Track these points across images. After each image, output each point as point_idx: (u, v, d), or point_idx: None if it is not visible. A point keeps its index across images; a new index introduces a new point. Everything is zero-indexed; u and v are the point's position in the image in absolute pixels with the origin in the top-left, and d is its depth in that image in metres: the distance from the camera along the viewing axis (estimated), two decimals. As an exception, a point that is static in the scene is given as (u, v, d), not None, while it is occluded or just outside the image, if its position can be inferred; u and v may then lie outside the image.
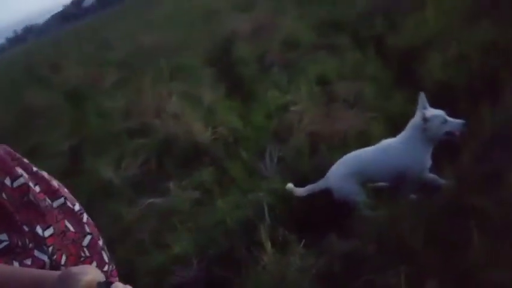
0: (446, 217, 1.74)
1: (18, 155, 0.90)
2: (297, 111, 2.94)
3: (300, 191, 2.19)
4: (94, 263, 0.91)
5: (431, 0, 3.86)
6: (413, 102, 2.68)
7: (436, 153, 2.12)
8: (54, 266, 0.82)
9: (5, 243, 0.77)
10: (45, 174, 0.93)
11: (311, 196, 2.17)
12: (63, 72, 8.85)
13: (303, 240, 1.92)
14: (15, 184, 0.84)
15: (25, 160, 0.90)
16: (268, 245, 1.95)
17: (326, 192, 2.14)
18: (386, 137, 2.43)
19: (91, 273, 0.61)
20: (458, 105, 2.38)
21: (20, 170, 0.86)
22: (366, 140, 2.48)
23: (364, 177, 2.11)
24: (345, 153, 2.35)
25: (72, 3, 62.24)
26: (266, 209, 2.12)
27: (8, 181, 0.83)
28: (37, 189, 0.87)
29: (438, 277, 1.49)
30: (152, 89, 4.76)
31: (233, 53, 5.23)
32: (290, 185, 2.22)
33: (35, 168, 0.90)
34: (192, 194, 2.81)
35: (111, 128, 4.23)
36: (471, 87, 2.46)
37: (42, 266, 0.80)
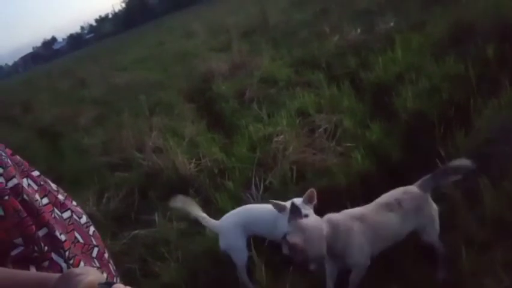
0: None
1: (27, 167, 0.90)
2: (281, 142, 3.02)
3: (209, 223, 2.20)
4: (105, 274, 0.92)
5: (399, 39, 4.16)
6: (390, 133, 2.87)
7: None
8: None
9: (20, 248, 0.76)
10: (53, 185, 0.94)
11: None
12: (35, 111, 8.72)
13: (291, 268, 1.93)
14: (30, 189, 0.84)
15: (33, 173, 0.91)
16: (259, 272, 1.96)
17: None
18: (366, 166, 2.56)
19: (93, 274, 0.61)
20: (433, 133, 2.56)
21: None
22: (347, 168, 2.59)
23: (251, 231, 2.14)
24: (330, 179, 2.43)
25: (43, 44, 61.99)
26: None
27: (25, 184, 0.84)
28: (45, 201, 0.87)
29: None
30: (132, 125, 4.78)
31: (212, 89, 5.36)
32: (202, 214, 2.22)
33: (42, 182, 0.91)
34: (177, 225, 2.80)
35: (90, 163, 4.18)
36: (444, 115, 2.63)
37: (59, 270, 0.80)
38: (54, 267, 0.79)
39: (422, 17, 4.68)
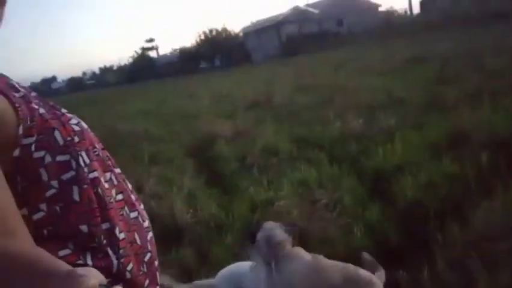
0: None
1: (112, 164, 0.97)
2: (283, 206, 3.11)
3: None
4: (147, 281, 0.93)
5: (399, 135, 4.47)
6: (388, 216, 3.00)
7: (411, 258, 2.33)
8: (121, 269, 0.85)
9: (84, 235, 0.79)
10: (130, 185, 1.00)
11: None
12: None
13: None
14: (108, 185, 0.89)
15: (116, 170, 0.97)
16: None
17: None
18: (364, 243, 2.65)
19: (95, 275, 0.62)
20: (429, 224, 2.70)
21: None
22: (347, 241, 2.68)
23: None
24: (331, 248, 2.49)
25: (42, 81, 62.83)
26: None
27: (103, 178, 0.88)
28: (120, 197, 0.93)
29: None
30: (131, 170, 4.82)
31: (213, 149, 5.52)
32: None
33: (121, 180, 0.95)
34: (169, 271, 2.76)
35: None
36: (440, 208, 2.79)
37: (110, 265, 0.82)
38: (107, 260, 0.83)
39: (421, 119, 5.06)
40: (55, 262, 0.65)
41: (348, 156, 4.38)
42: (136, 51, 40.19)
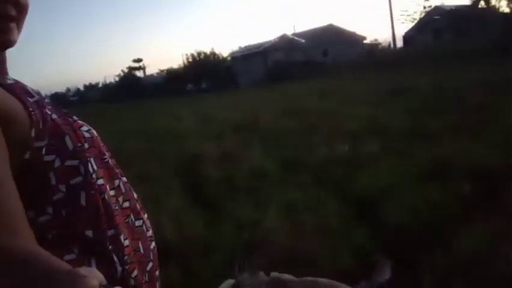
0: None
1: (120, 172, 0.97)
2: (271, 228, 3.13)
3: None
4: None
5: (384, 162, 4.58)
6: (374, 238, 3.05)
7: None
8: (125, 276, 0.85)
9: (89, 240, 0.80)
10: (135, 195, 1.00)
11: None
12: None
13: None
14: (113, 192, 0.90)
15: (123, 178, 0.97)
16: None
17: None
18: (351, 265, 2.69)
19: (97, 275, 0.63)
20: (415, 248, 2.76)
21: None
22: (335, 262, 2.71)
23: None
24: (319, 269, 2.51)
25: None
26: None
27: (108, 186, 0.89)
28: (126, 204, 0.93)
29: None
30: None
31: (200, 170, 5.52)
32: None
33: (128, 188, 0.96)
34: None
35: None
36: (424, 233, 2.87)
37: (114, 271, 0.83)
38: (111, 267, 0.83)
39: (404, 147, 5.21)
40: (57, 262, 0.65)
41: (334, 180, 4.46)
42: (122, 70, 40.15)
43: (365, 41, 37.17)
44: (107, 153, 0.94)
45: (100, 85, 49.07)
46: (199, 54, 35.86)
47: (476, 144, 4.63)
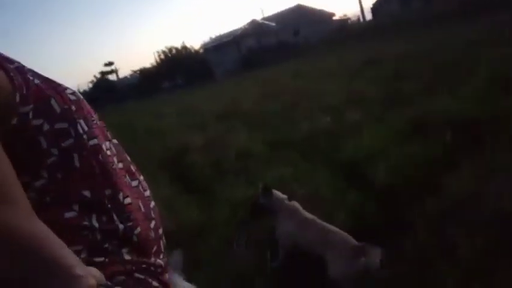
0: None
1: (110, 135, 0.97)
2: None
3: None
4: (155, 247, 0.93)
5: (365, 127, 4.67)
6: (366, 199, 3.13)
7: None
8: (128, 233, 0.85)
9: (86, 198, 0.80)
10: (128, 157, 0.99)
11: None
12: None
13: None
14: (108, 152, 0.90)
15: (114, 140, 0.97)
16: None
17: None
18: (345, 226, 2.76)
19: (94, 275, 0.63)
20: (406, 201, 2.85)
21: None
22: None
23: None
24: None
25: None
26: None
27: (104, 147, 0.88)
28: (120, 165, 0.93)
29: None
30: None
31: (186, 160, 5.51)
32: None
33: (120, 150, 0.96)
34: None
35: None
36: (414, 186, 2.96)
37: (116, 228, 0.83)
38: (112, 223, 0.83)
39: (383, 112, 5.30)
40: (59, 251, 0.65)
41: (321, 152, 4.52)
42: (95, 76, 39.33)
43: (334, 18, 37.27)
44: (94, 115, 0.93)
45: (74, 93, 47.80)
46: (170, 50, 35.38)
47: (451, 100, 4.75)
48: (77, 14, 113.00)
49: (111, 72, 40.86)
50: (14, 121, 0.74)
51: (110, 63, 40.61)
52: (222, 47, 32.97)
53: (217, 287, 2.47)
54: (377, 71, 9.29)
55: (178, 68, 33.31)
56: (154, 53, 59.00)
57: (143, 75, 36.81)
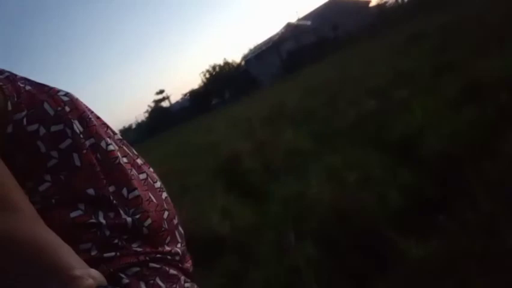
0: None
1: (112, 131, 0.96)
2: (315, 194, 3.12)
3: None
4: (168, 238, 0.91)
5: (414, 101, 4.44)
6: (422, 173, 2.97)
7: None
8: (137, 225, 0.84)
9: (91, 196, 0.80)
10: (134, 151, 0.99)
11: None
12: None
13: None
14: (109, 148, 0.89)
15: (116, 136, 0.96)
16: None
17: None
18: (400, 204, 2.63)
19: (94, 276, 0.62)
20: (464, 169, 2.65)
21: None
22: (385, 205, 2.66)
23: None
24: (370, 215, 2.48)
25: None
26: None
27: (103, 144, 0.88)
28: (125, 160, 0.91)
29: None
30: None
31: (239, 167, 5.58)
32: None
33: (123, 145, 0.95)
34: (218, 280, 2.79)
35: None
36: (471, 153, 2.75)
37: (124, 222, 0.82)
38: (120, 218, 0.82)
39: (434, 84, 5.02)
40: (60, 254, 0.65)
41: (370, 135, 4.37)
42: (149, 105, 41.32)
43: (370, 5, 36.21)
44: (91, 114, 0.93)
45: (134, 126, 50.52)
46: (214, 68, 36.35)
47: (503, 62, 4.39)
48: (125, 49, 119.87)
49: (163, 99, 42.74)
50: (10, 129, 0.75)
51: (161, 91, 42.51)
52: (262, 55, 33.24)
53: (275, 283, 2.44)
54: (422, 45, 8.86)
55: (223, 83, 34.08)
56: (199, 74, 60.78)
57: (193, 96, 38.10)
